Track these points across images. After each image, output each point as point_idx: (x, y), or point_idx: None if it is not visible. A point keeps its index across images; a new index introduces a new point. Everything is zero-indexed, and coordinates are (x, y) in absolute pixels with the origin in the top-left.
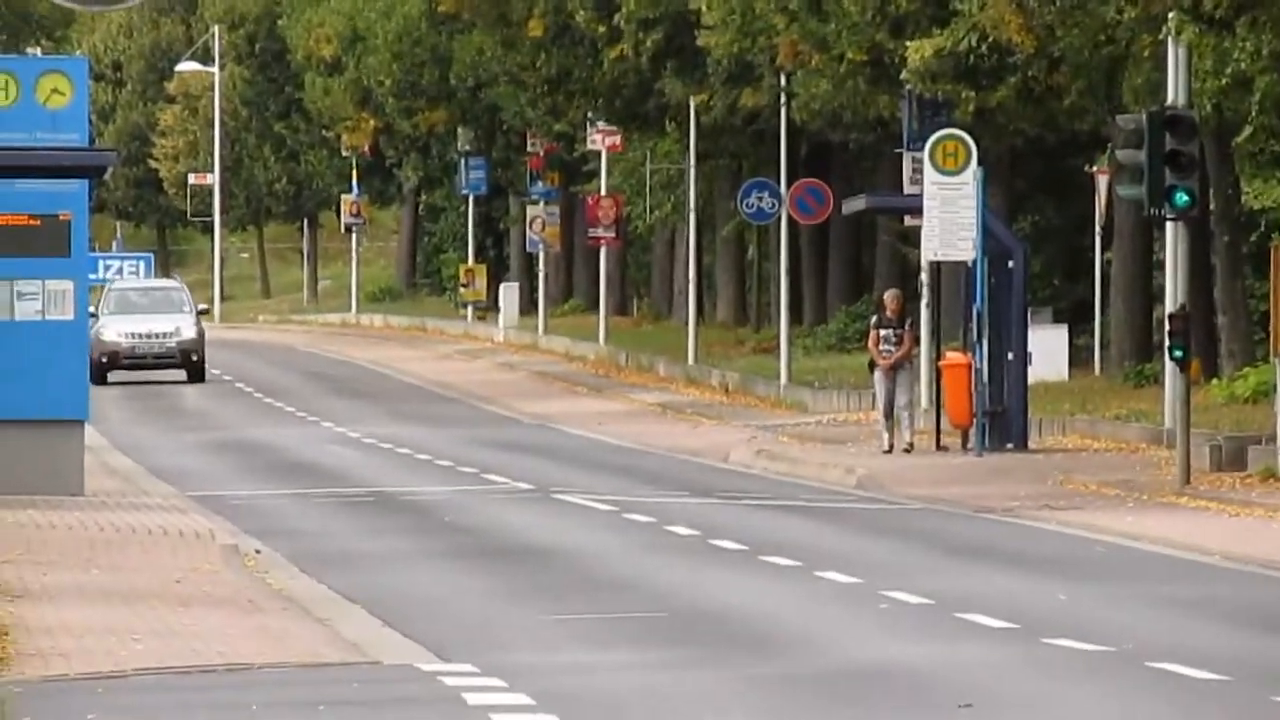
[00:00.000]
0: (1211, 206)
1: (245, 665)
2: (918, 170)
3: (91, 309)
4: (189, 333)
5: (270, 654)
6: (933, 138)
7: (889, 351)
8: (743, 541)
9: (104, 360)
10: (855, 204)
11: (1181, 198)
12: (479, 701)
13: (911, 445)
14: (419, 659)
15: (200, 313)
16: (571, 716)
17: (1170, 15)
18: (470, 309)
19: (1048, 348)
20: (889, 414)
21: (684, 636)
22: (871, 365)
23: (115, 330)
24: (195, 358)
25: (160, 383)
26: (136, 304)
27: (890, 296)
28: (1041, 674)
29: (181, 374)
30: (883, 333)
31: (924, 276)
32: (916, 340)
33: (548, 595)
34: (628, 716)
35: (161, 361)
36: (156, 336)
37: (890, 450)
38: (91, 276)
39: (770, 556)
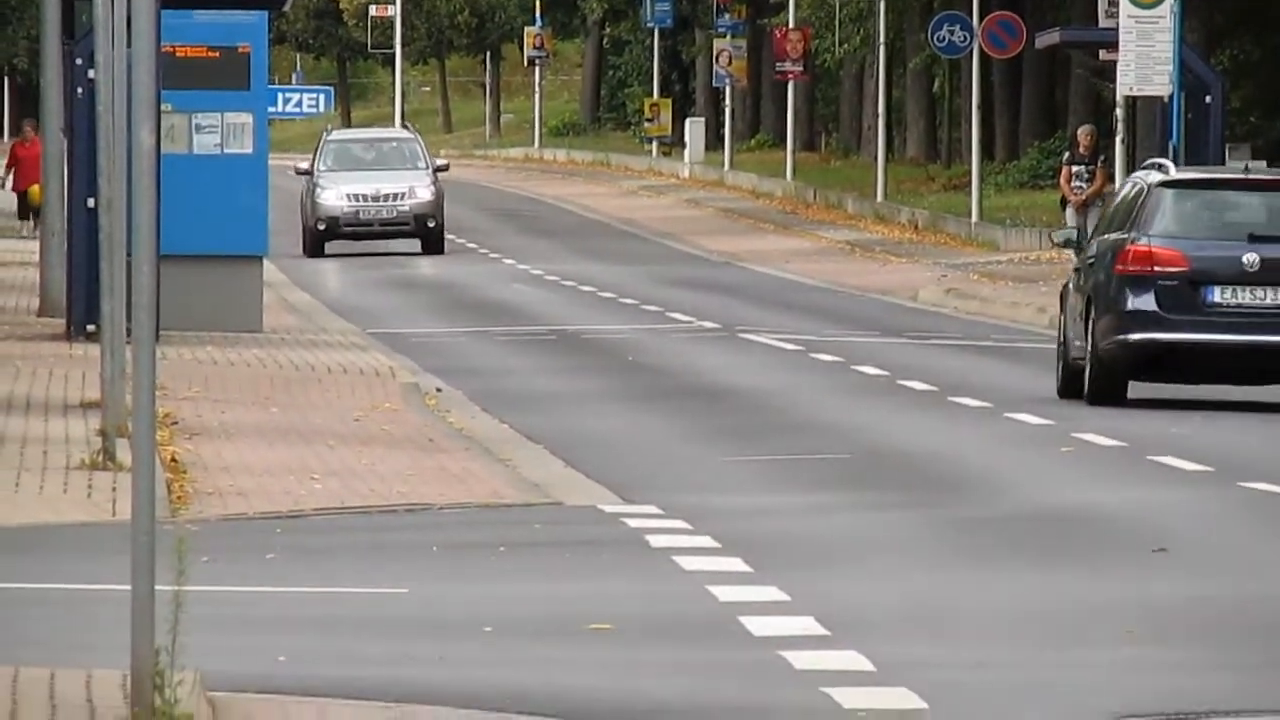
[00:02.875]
0: None
1: (425, 505)
2: (1113, 3)
3: (304, 165)
4: (425, 193)
5: (451, 494)
6: None
7: (1080, 188)
8: (931, 382)
9: (320, 228)
10: (1049, 37)
11: None
12: (662, 544)
13: None
14: (601, 500)
15: (439, 169)
16: (756, 559)
17: None
18: (655, 144)
19: None
20: (1077, 249)
21: (870, 479)
22: (1063, 202)
23: (335, 192)
24: (432, 224)
25: (389, 254)
26: (361, 159)
27: (1083, 132)
28: (1237, 518)
29: (415, 244)
30: (1075, 169)
31: (1119, 112)
32: (1110, 178)
33: (732, 436)
34: (812, 559)
35: (390, 229)
36: (385, 199)
37: None
38: (270, 110)
39: (959, 397)
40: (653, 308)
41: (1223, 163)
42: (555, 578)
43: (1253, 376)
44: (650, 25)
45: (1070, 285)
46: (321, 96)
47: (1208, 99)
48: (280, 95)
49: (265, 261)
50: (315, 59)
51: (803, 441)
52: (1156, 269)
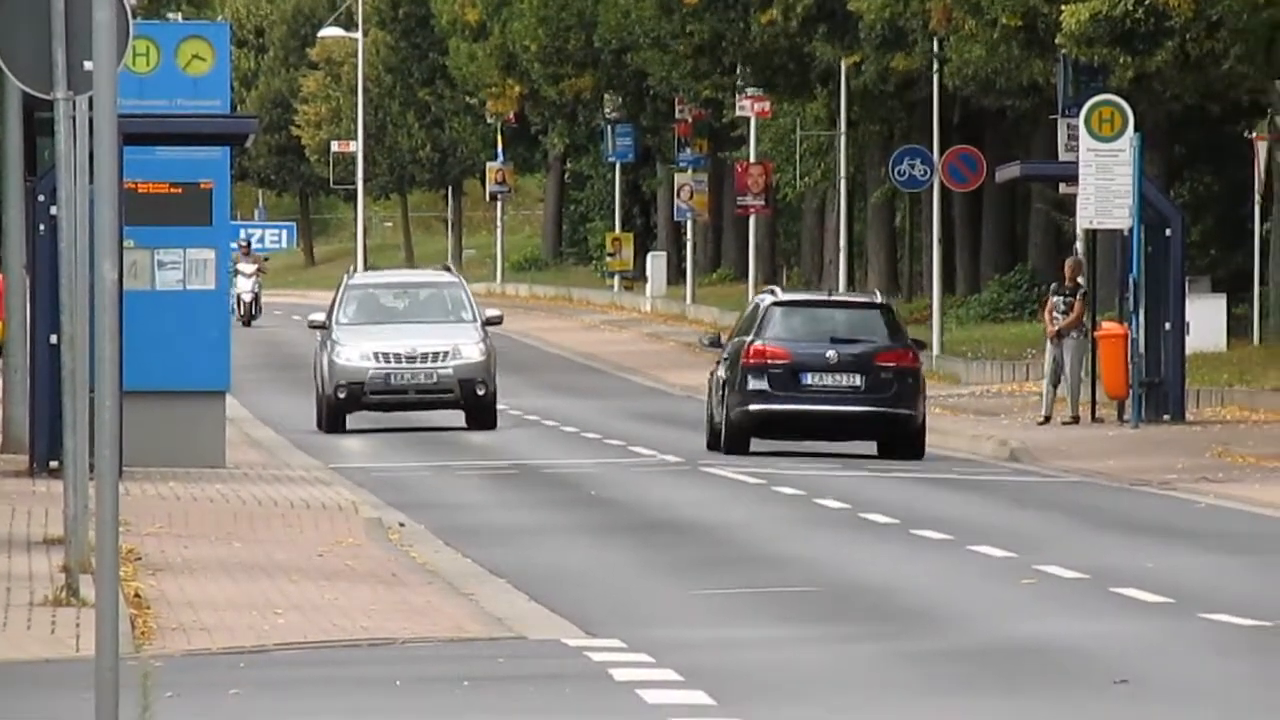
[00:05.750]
0: None
1: (389, 640)
2: (1073, 137)
3: (320, 318)
4: (472, 352)
5: (414, 629)
6: (1088, 104)
7: (1058, 319)
8: (894, 515)
9: (340, 396)
10: (1009, 171)
11: None
12: (626, 677)
13: (1074, 417)
14: (565, 634)
15: (490, 322)
16: (720, 692)
17: None
18: (617, 278)
19: (1206, 317)
20: (1055, 383)
21: (834, 611)
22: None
23: (358, 349)
24: (482, 391)
25: (429, 428)
26: (391, 309)
27: (1068, 264)
28: (1199, 650)
29: (459, 415)
30: (1054, 299)
31: (1079, 245)
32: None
33: (696, 569)
34: (777, 692)
35: (429, 397)
36: (423, 360)
37: (1046, 420)
38: (232, 245)
39: (922, 530)
40: (615, 441)
41: (1183, 296)
42: (519, 712)
43: (835, 434)
44: (611, 160)
45: (713, 374)
46: (284, 232)
47: (1168, 232)
48: (243, 231)
49: (228, 397)
50: (278, 195)
51: (766, 574)
52: (769, 360)
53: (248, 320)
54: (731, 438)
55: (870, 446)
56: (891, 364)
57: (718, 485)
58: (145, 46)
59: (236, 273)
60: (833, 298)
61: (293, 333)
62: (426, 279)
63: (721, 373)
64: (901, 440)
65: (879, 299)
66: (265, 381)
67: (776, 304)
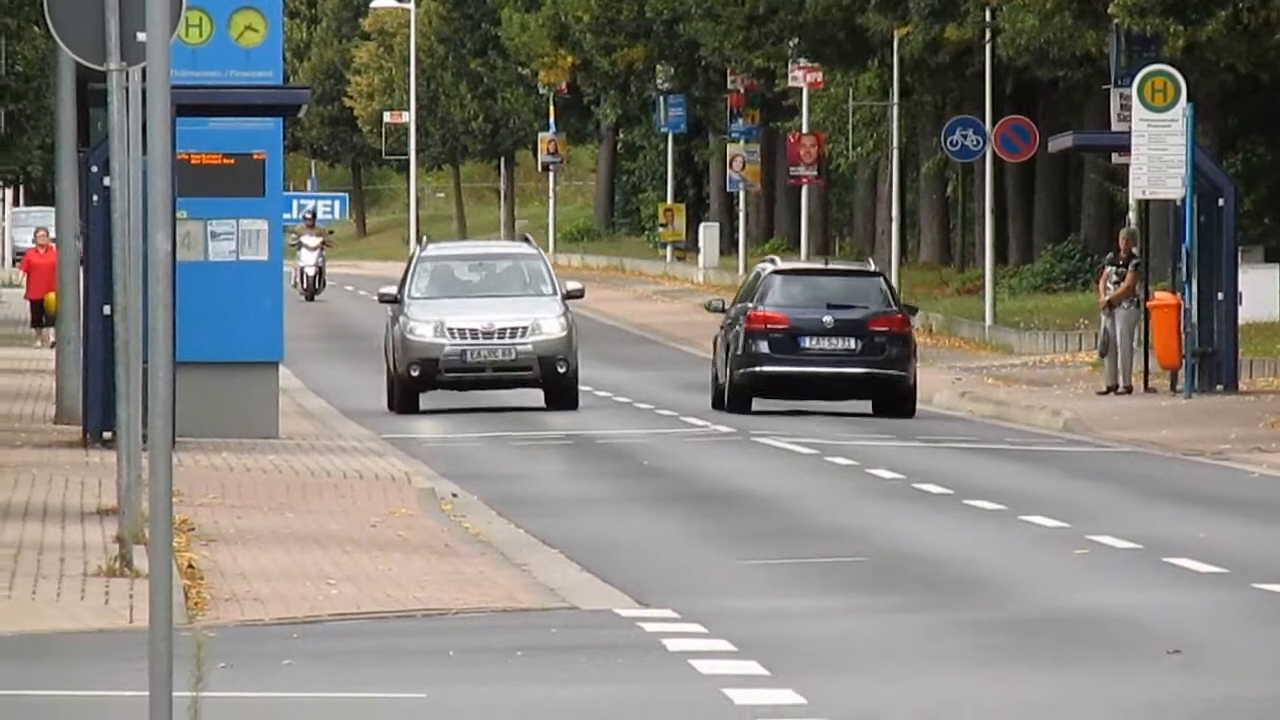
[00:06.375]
0: None
1: (442, 610)
2: (1125, 107)
3: (390, 290)
4: (553, 327)
5: (467, 599)
6: (1141, 73)
7: (1110, 289)
8: (947, 485)
9: (414, 374)
10: (1062, 141)
11: None
12: (679, 648)
13: (1127, 388)
14: (617, 604)
15: (571, 295)
16: (773, 662)
17: None
18: (669, 249)
19: (1258, 287)
20: (1103, 353)
21: (886, 582)
22: None
23: (432, 324)
24: (563, 368)
25: (506, 408)
26: (467, 283)
27: (1122, 235)
28: (1252, 620)
29: (537, 394)
30: (1108, 270)
31: (1131, 215)
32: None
33: (748, 540)
34: (829, 662)
35: (507, 375)
36: (501, 335)
37: (1108, 391)
38: (286, 216)
39: (975, 500)
40: (667, 412)
41: (1236, 266)
42: (572, 682)
43: (832, 395)
44: (664, 130)
45: (718, 338)
46: (337, 203)
47: (1220, 202)
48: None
49: (281, 367)
50: (330, 165)
51: (818, 545)
52: (769, 326)
53: (310, 295)
54: (734, 397)
55: (865, 405)
56: (884, 328)
57: (770, 456)
58: (198, 18)
59: (300, 245)
60: (829, 266)
61: (346, 304)
62: (504, 250)
63: (725, 337)
64: (894, 400)
65: (872, 267)
66: (320, 353)
67: (776, 272)
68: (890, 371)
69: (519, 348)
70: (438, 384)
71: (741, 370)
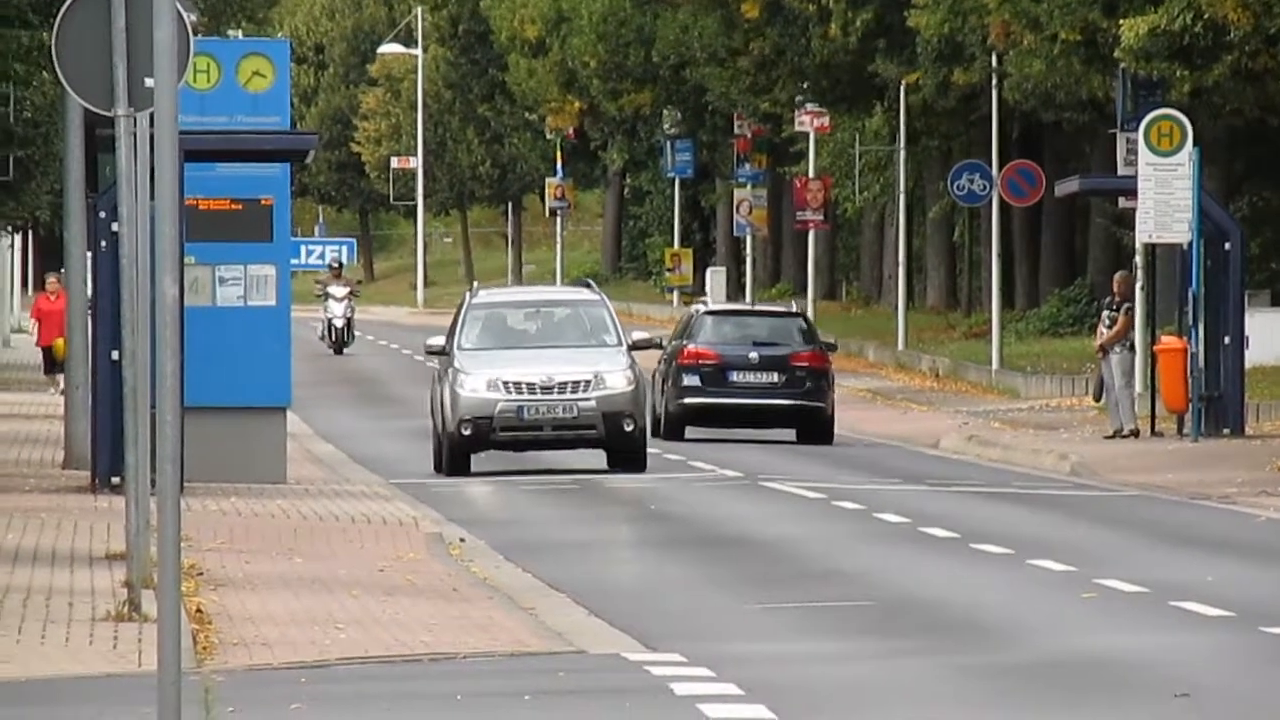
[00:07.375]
0: None
1: (449, 655)
2: (1132, 151)
3: (438, 343)
4: (618, 381)
5: (475, 643)
6: (1147, 118)
7: (1103, 333)
8: (954, 529)
9: (465, 433)
10: (1068, 185)
11: None
12: (686, 691)
13: (1133, 431)
14: (625, 648)
15: (638, 346)
16: (780, 707)
17: None
18: (676, 293)
19: (1265, 331)
20: (1096, 397)
21: (894, 626)
22: None
23: (485, 379)
24: (630, 426)
25: (565, 470)
26: (523, 333)
27: (1117, 277)
28: (1259, 663)
29: (599, 455)
30: (1104, 314)
31: (1138, 259)
32: (1132, 324)
33: (756, 584)
34: (837, 707)
35: (568, 434)
36: (560, 390)
37: (1114, 435)
38: (294, 262)
39: (982, 544)
40: (675, 456)
41: (1242, 309)
42: None
43: (758, 424)
44: (671, 175)
45: (655, 372)
46: (344, 248)
47: (1227, 246)
48: (303, 247)
49: (288, 412)
50: (338, 211)
51: (826, 589)
52: (700, 361)
53: (339, 348)
54: (669, 426)
55: (789, 433)
56: (805, 364)
57: (777, 500)
58: (206, 63)
59: (327, 296)
60: (755, 308)
61: (354, 346)
62: (562, 296)
63: (663, 371)
64: (815, 429)
65: (794, 309)
66: (326, 399)
67: (708, 313)
68: (811, 403)
69: (581, 404)
70: (491, 444)
71: (675, 402)
